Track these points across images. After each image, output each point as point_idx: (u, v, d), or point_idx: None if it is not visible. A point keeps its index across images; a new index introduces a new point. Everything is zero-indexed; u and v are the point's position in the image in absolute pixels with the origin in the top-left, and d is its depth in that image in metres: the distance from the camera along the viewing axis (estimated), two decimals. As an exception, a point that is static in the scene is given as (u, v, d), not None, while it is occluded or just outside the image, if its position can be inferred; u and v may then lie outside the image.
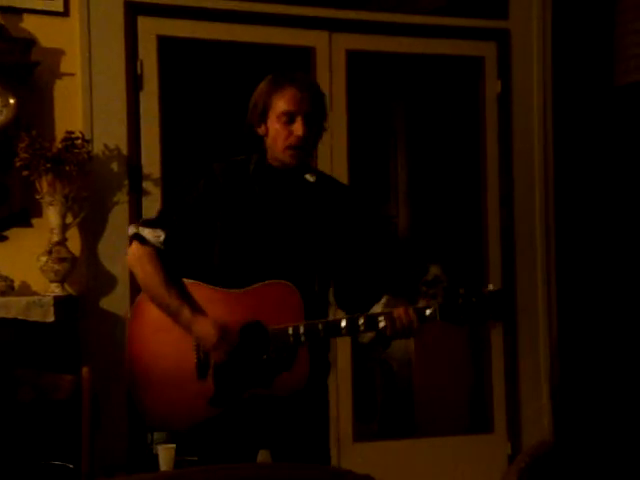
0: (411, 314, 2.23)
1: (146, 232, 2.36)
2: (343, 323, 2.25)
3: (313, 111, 2.32)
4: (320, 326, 2.25)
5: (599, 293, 4.19)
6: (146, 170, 3.72)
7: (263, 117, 2.35)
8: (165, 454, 2.94)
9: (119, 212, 3.63)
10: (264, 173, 2.38)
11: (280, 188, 2.38)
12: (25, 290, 3.45)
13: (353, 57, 4.07)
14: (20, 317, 3.19)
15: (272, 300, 2.29)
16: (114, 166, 3.64)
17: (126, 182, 3.66)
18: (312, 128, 2.33)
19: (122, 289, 3.62)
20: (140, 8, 3.71)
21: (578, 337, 4.22)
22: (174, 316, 2.30)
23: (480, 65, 4.27)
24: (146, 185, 3.71)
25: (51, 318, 3.21)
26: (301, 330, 2.25)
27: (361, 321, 2.25)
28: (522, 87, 4.26)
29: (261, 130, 2.37)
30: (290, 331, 2.25)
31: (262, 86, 2.38)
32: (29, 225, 3.52)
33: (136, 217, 3.66)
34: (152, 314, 2.35)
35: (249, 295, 2.30)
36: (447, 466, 4.14)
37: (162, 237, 2.34)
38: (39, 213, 3.50)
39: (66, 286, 3.42)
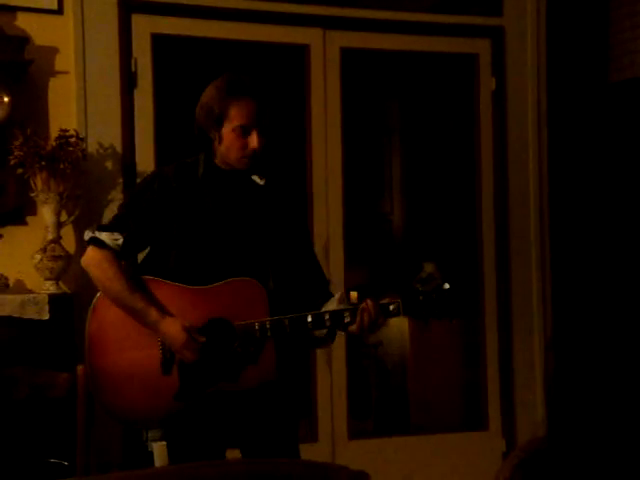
0: (376, 309, 2.33)
1: (104, 236, 2.41)
2: (309, 318, 2.33)
3: (266, 123, 2.41)
4: (286, 321, 2.33)
5: (594, 290, 4.20)
6: (140, 168, 3.72)
7: (218, 124, 2.41)
8: (160, 451, 2.94)
9: (114, 210, 3.61)
10: (213, 175, 2.45)
11: (229, 189, 2.46)
12: (20, 288, 3.45)
13: (347, 54, 4.07)
14: (15, 315, 3.19)
15: (237, 296, 2.35)
16: (108, 164, 3.63)
17: (120, 180, 3.65)
18: (265, 137, 2.41)
19: (117, 287, 3.61)
20: (134, 6, 3.70)
21: (573, 334, 4.23)
22: (140, 318, 2.36)
23: (474, 62, 4.28)
24: (141, 183, 3.72)
25: (46, 316, 3.21)
26: (267, 325, 2.32)
27: (327, 316, 2.34)
28: (516, 84, 4.27)
29: (213, 136, 2.43)
30: (257, 326, 2.33)
31: (217, 91, 2.43)
32: (24, 223, 3.52)
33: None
34: (112, 313, 2.40)
35: (213, 291, 2.36)
36: (442, 463, 4.15)
37: (120, 240, 2.40)
38: (34, 211, 3.50)
39: (61, 284, 3.42)
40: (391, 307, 2.36)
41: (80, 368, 2.83)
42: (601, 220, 4.26)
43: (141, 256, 2.63)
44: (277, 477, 1.24)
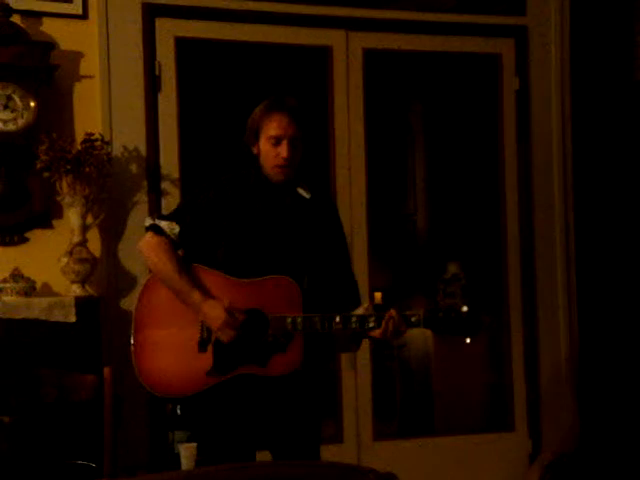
0: (400, 319, 2.56)
1: (163, 224, 2.65)
2: (337, 318, 2.56)
3: (298, 136, 2.65)
4: (316, 318, 2.56)
5: (620, 288, 4.16)
6: (165, 171, 3.74)
7: (256, 139, 2.68)
8: (186, 453, 2.96)
9: (138, 212, 3.65)
10: (262, 186, 2.70)
11: (276, 199, 2.70)
12: (46, 291, 3.48)
13: (370, 55, 4.07)
14: (42, 318, 3.22)
15: (275, 292, 2.59)
16: (133, 167, 3.66)
17: (145, 183, 3.68)
18: (297, 150, 2.66)
19: (142, 289, 3.63)
20: (158, 10, 3.73)
21: (599, 334, 4.20)
22: (185, 298, 2.59)
23: (498, 62, 4.26)
24: (165, 186, 3.73)
25: (73, 319, 3.24)
26: (298, 320, 2.55)
27: (354, 319, 2.58)
28: (540, 84, 4.25)
29: (255, 149, 2.70)
30: (289, 320, 2.56)
31: (257, 111, 2.70)
32: (50, 226, 3.55)
33: (155, 218, 3.69)
34: (161, 293, 2.63)
35: (254, 285, 2.61)
36: (467, 465, 4.13)
37: (177, 230, 2.64)
38: (60, 214, 3.53)
39: (87, 287, 3.44)
40: (413, 319, 2.59)
41: (107, 370, 2.85)
42: (626, 219, 4.22)
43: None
44: (305, 479, 1.24)
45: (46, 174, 3.36)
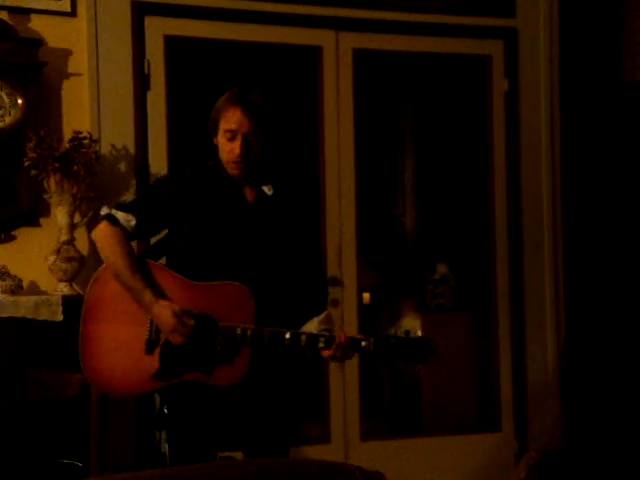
0: (349, 344, 2.49)
1: (119, 215, 2.57)
2: (287, 335, 2.47)
3: (253, 131, 2.55)
4: (266, 333, 2.47)
5: (608, 292, 4.18)
6: (153, 169, 3.73)
7: (215, 130, 2.61)
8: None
9: (127, 211, 3.63)
10: (224, 180, 2.62)
11: (238, 196, 2.62)
12: (33, 289, 3.46)
13: (360, 56, 4.07)
14: (29, 316, 3.20)
15: (228, 299, 2.51)
16: (122, 166, 3.64)
17: (133, 182, 3.66)
18: (253, 145, 2.56)
19: (130, 288, 3.62)
20: (147, 8, 3.71)
21: (586, 336, 4.21)
22: (136, 296, 2.51)
23: (487, 63, 4.27)
24: (153, 184, 3.72)
25: (60, 317, 3.22)
26: (248, 333, 2.47)
27: (303, 337, 2.49)
28: (529, 85, 4.26)
29: (215, 141, 2.63)
30: (238, 331, 2.48)
31: (219, 101, 2.63)
32: (37, 224, 3.53)
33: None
34: (112, 286, 2.55)
35: (208, 289, 2.52)
36: (454, 465, 4.14)
37: (133, 222, 2.56)
38: (47, 212, 3.51)
39: (74, 285, 3.43)
40: (363, 344, 2.51)
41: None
42: (614, 219, 4.24)
43: (154, 241, 2.77)
44: (292, 477, 1.24)
45: (34, 172, 3.35)
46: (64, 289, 3.38)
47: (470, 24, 4.19)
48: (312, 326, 2.58)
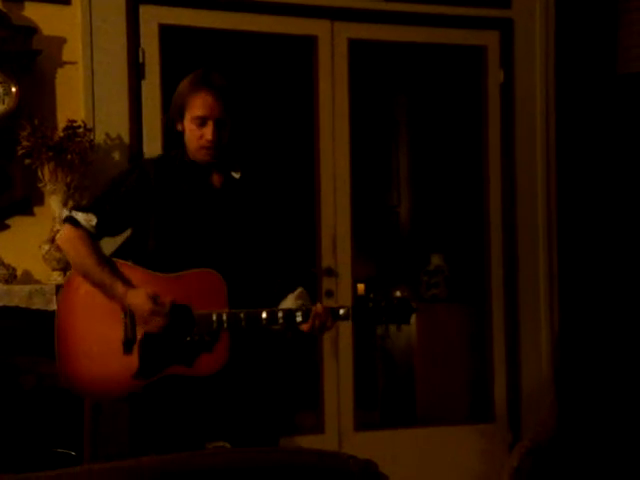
0: (327, 313, 2.49)
1: (79, 216, 2.57)
2: (264, 315, 2.46)
3: (224, 117, 2.52)
4: (242, 315, 2.46)
5: (602, 281, 4.19)
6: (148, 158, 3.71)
7: (180, 116, 2.56)
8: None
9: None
10: (188, 167, 2.58)
11: (203, 181, 2.59)
12: (27, 278, 3.45)
13: (355, 46, 4.06)
14: (22, 305, 3.20)
15: (200, 287, 2.49)
16: (116, 155, 3.63)
17: (128, 171, 3.65)
18: (222, 131, 2.53)
19: (124, 278, 3.61)
20: (142, -4, 3.70)
21: (580, 327, 4.22)
22: (108, 291, 2.50)
23: (483, 54, 4.26)
24: (148, 174, 3.71)
25: (54, 306, 3.21)
26: (224, 317, 2.46)
27: (280, 314, 2.48)
28: (525, 76, 4.26)
29: (179, 127, 2.58)
30: (214, 317, 2.46)
31: (182, 86, 2.58)
32: (31, 213, 3.52)
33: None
34: (82, 291, 2.54)
35: (179, 280, 2.50)
36: (448, 455, 4.15)
37: (94, 221, 2.55)
38: (41, 201, 3.50)
39: (68, 274, 3.41)
40: (341, 311, 2.51)
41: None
42: (609, 211, 4.24)
43: (121, 240, 2.75)
44: (285, 467, 1.24)
45: (28, 161, 3.34)
46: (58, 278, 3.37)
47: (466, 14, 4.18)
48: (288, 303, 2.57)
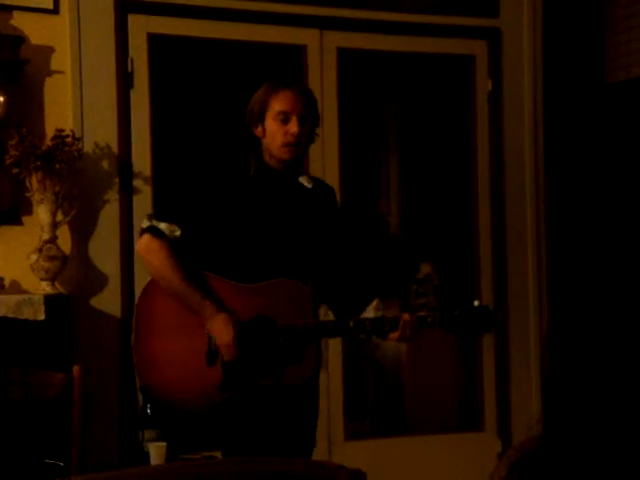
0: (416, 322, 2.46)
1: (162, 226, 2.47)
2: (351, 323, 2.44)
3: (307, 114, 2.51)
4: (329, 325, 2.46)
5: (591, 288, 4.19)
6: (137, 168, 3.71)
7: (260, 118, 2.52)
8: (156, 452, 2.93)
9: (110, 210, 3.62)
10: (263, 174, 2.53)
11: (278, 189, 2.54)
12: (15, 288, 3.44)
13: (344, 55, 4.07)
14: (10, 315, 3.18)
15: (285, 296, 2.44)
16: (104, 164, 3.63)
17: (117, 180, 3.65)
18: (305, 128, 2.51)
19: (113, 288, 3.61)
20: (130, 6, 3.70)
21: (569, 332, 4.23)
22: (196, 307, 2.43)
23: (471, 63, 4.28)
24: (137, 183, 3.71)
25: (42, 316, 3.20)
26: (312, 327, 2.42)
27: (367, 323, 2.46)
28: (513, 85, 4.27)
29: (258, 131, 2.53)
30: (301, 327, 2.42)
31: (260, 92, 2.55)
32: (19, 223, 3.51)
33: (127, 215, 3.66)
34: (161, 299, 2.47)
35: (262, 290, 2.46)
36: (438, 464, 4.15)
37: (177, 232, 2.46)
38: (29, 211, 3.49)
39: (57, 284, 3.41)
40: (429, 319, 2.51)
41: (76, 368, 2.82)
42: (598, 220, 4.26)
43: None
44: (275, 476, 1.24)
45: (15, 170, 3.33)
46: (46, 288, 3.36)
47: (454, 24, 4.20)
48: (369, 314, 2.53)
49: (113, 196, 3.63)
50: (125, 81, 3.68)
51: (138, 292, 3.65)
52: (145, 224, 2.51)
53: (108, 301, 3.60)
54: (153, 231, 2.47)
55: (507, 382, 4.24)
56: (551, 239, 4.30)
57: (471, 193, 4.31)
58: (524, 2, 4.27)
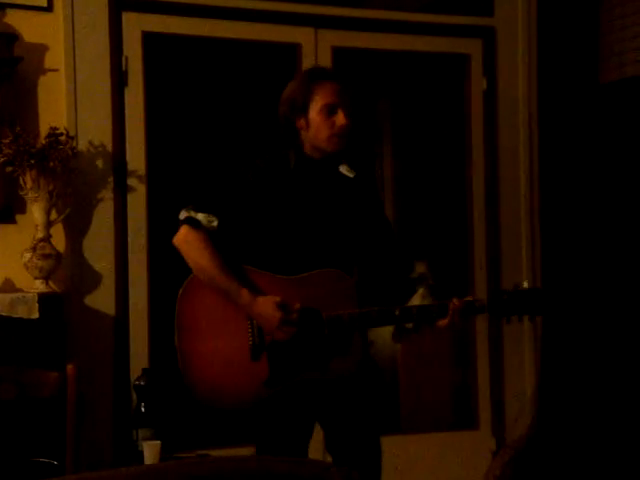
0: (464, 307, 2.42)
1: (200, 216, 2.45)
2: (397, 312, 2.38)
3: (350, 105, 2.51)
4: (374, 314, 2.38)
5: (584, 289, 4.20)
6: (131, 167, 3.71)
7: (304, 110, 2.48)
8: (150, 450, 2.93)
9: (104, 209, 3.62)
10: (304, 165, 2.50)
11: (319, 180, 2.52)
12: (9, 287, 3.43)
13: (339, 54, 4.07)
14: (4, 314, 3.17)
15: (328, 287, 2.40)
16: (99, 162, 3.62)
17: (111, 179, 3.64)
18: (351, 119, 2.50)
19: (107, 286, 3.60)
20: (125, 3, 3.69)
21: (563, 338, 4.24)
22: (233, 298, 2.40)
23: (466, 62, 4.28)
24: (131, 182, 3.70)
25: (35, 315, 3.19)
26: (356, 317, 2.37)
27: (414, 311, 2.41)
28: (508, 84, 4.28)
29: (300, 124, 2.49)
30: (346, 317, 2.37)
31: (297, 83, 2.52)
32: (13, 221, 3.50)
33: (121, 214, 3.65)
34: (204, 293, 2.44)
35: (304, 281, 2.42)
36: (432, 462, 4.15)
37: (215, 223, 2.44)
38: (23, 209, 3.48)
39: (50, 283, 3.40)
40: (476, 304, 2.45)
41: (70, 367, 2.82)
42: (592, 219, 4.26)
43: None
44: (267, 475, 1.24)
45: (9, 168, 3.32)
46: (40, 286, 3.35)
47: (449, 23, 4.20)
48: (416, 302, 2.49)
49: (107, 194, 3.62)
50: (119, 79, 3.67)
51: (132, 291, 3.68)
52: (182, 215, 2.48)
53: (102, 300, 3.59)
54: (191, 222, 2.45)
55: (501, 380, 4.25)
56: (545, 237, 4.31)
57: (465, 191, 4.32)
58: (519, 1, 4.27)
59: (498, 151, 4.27)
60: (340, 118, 2.46)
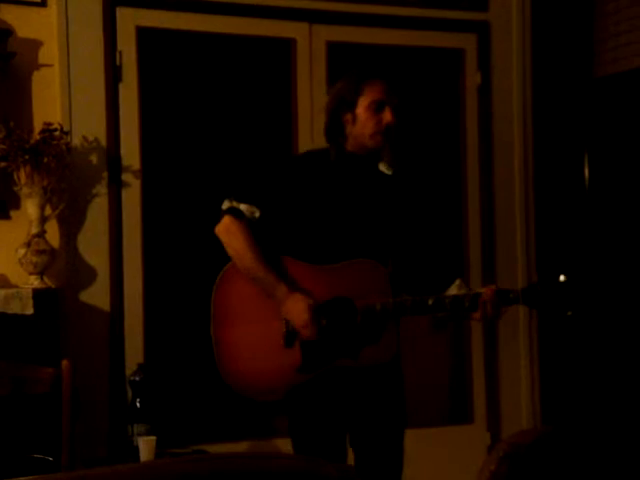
0: (496, 298, 2.42)
1: (242, 207, 2.50)
2: (430, 302, 2.41)
3: (398, 105, 2.57)
4: (408, 303, 2.42)
5: (579, 285, 4.21)
6: (125, 162, 3.70)
7: (352, 105, 2.53)
8: (146, 446, 2.94)
9: (98, 204, 3.61)
10: (344, 159, 2.55)
11: (358, 174, 2.57)
12: (4, 282, 3.42)
13: (333, 49, 4.06)
14: (-2, 310, 3.17)
15: (361, 277, 2.45)
16: (93, 158, 3.61)
17: (105, 174, 3.63)
18: (397, 117, 2.57)
19: (102, 282, 3.60)
20: (119, -2, 3.68)
21: (558, 330, 4.25)
22: (269, 289, 2.45)
23: (460, 57, 4.28)
24: (125, 177, 3.70)
25: (30, 310, 3.19)
26: (389, 306, 2.41)
27: (447, 300, 2.43)
28: (502, 79, 4.28)
29: (347, 119, 2.54)
30: (378, 307, 2.41)
31: (348, 81, 2.58)
32: (7, 217, 3.49)
33: (116, 209, 3.65)
34: (240, 283, 2.49)
35: (339, 271, 2.47)
36: (427, 457, 4.15)
37: (257, 214, 2.49)
38: (17, 205, 3.47)
39: (45, 278, 3.40)
40: (511, 295, 2.44)
41: (65, 363, 2.81)
42: (586, 214, 4.27)
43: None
44: (264, 471, 1.24)
45: (3, 164, 3.31)
46: (35, 282, 3.35)
47: (443, 17, 4.20)
48: (452, 292, 2.50)
49: (102, 190, 3.62)
50: (114, 74, 3.67)
51: (127, 286, 3.67)
52: (225, 205, 2.52)
53: (97, 295, 3.59)
54: (233, 212, 2.50)
55: (496, 375, 4.26)
56: (540, 232, 4.31)
57: (460, 186, 4.32)
58: (513, -4, 4.27)
59: (493, 145, 4.28)
60: (387, 115, 2.52)
